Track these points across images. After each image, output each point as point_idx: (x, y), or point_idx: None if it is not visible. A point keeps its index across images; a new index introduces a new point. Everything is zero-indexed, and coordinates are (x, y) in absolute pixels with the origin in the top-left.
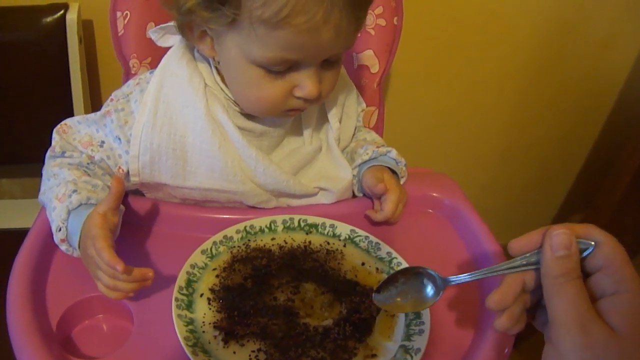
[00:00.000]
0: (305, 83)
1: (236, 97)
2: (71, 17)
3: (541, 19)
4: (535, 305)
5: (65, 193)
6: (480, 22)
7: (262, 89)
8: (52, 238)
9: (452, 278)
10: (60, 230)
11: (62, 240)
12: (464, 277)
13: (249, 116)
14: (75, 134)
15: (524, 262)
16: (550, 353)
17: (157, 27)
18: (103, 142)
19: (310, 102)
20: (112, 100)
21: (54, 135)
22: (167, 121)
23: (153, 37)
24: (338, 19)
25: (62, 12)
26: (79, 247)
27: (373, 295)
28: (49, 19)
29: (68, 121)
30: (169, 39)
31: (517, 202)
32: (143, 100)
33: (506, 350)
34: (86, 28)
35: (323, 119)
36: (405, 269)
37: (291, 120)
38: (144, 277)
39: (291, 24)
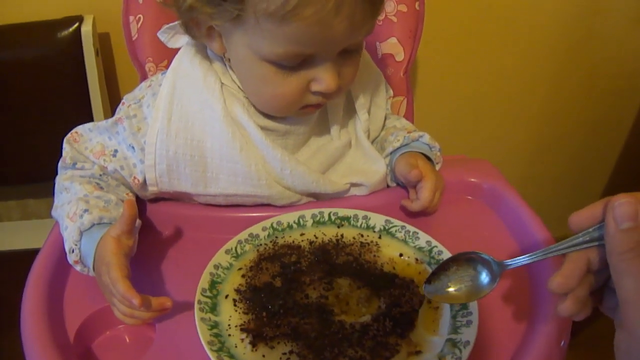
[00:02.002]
0: (322, 77)
1: (250, 96)
2: (86, 29)
3: None
4: (601, 287)
5: (76, 212)
6: (504, 5)
7: (275, 87)
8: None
9: (509, 262)
10: (73, 251)
11: (76, 262)
12: (521, 260)
13: (270, 116)
14: (86, 142)
15: (587, 239)
16: (623, 339)
17: (166, 27)
18: (116, 150)
19: (329, 97)
20: (123, 104)
21: (65, 145)
22: (183, 126)
23: (162, 39)
24: (352, 7)
25: (76, 25)
26: (94, 269)
27: (424, 286)
28: (64, 33)
29: (79, 129)
30: (180, 39)
31: (553, 192)
32: (156, 105)
33: (563, 343)
34: (103, 41)
35: (351, 112)
36: (457, 256)
37: (317, 116)
38: (162, 307)
39: (299, 16)
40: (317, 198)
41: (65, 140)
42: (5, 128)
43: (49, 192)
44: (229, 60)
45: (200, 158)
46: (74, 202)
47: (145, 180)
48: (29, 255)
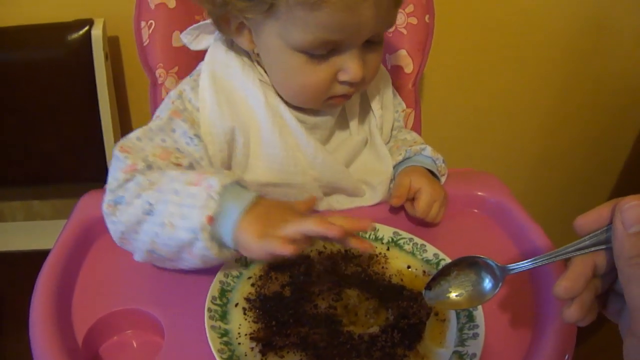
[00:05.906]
0: (349, 65)
1: (279, 88)
2: (96, 32)
3: (573, 14)
4: (606, 291)
5: (201, 176)
6: (510, 20)
7: (306, 76)
8: (75, 253)
9: (512, 266)
10: (210, 204)
11: (210, 219)
12: (525, 264)
13: (299, 108)
14: (141, 152)
15: (594, 242)
16: (633, 346)
17: (190, 27)
18: (178, 149)
19: (355, 87)
20: (168, 103)
21: (120, 154)
22: (233, 111)
23: (185, 41)
24: None
25: (87, 28)
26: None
27: (424, 292)
28: (74, 36)
29: (125, 142)
30: (204, 40)
31: (556, 207)
32: (200, 97)
33: (567, 357)
34: (112, 45)
35: (366, 109)
36: (459, 260)
37: (338, 111)
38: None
39: (328, 2)
40: (337, 196)
41: (119, 150)
42: (12, 129)
43: (54, 194)
44: (257, 55)
45: (245, 142)
46: (191, 173)
47: None
48: (33, 257)
